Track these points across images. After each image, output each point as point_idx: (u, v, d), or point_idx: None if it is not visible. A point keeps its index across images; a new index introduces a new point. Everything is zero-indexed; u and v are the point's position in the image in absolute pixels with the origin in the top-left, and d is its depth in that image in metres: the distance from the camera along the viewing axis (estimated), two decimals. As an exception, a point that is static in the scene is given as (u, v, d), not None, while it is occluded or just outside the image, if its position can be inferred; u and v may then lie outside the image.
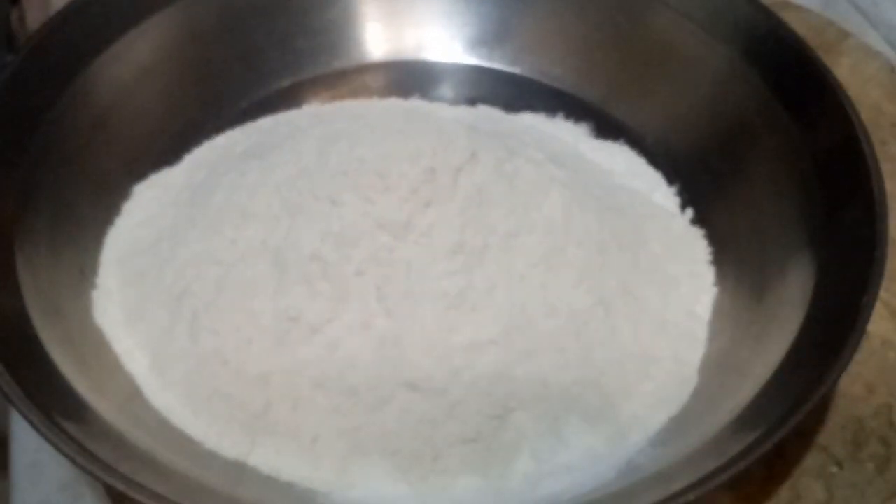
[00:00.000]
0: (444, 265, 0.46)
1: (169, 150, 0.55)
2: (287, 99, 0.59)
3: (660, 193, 0.55)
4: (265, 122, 0.58)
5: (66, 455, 0.37)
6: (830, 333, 0.42)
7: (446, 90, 0.60)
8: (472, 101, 0.59)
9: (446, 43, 0.61)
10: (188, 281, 0.47)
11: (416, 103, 0.59)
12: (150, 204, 0.52)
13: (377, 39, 0.61)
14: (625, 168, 0.56)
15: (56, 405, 0.39)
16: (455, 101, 0.59)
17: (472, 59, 0.60)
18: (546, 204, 0.49)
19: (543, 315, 0.46)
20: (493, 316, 0.45)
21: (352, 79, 0.60)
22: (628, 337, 0.47)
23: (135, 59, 0.54)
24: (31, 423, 0.37)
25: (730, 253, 0.52)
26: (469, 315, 0.45)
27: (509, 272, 0.47)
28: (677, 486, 0.37)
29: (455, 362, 0.44)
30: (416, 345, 0.44)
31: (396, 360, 0.44)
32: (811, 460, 0.47)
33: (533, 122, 0.58)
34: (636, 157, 0.57)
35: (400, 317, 0.45)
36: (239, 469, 0.43)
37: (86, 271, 0.49)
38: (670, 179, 0.56)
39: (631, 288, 0.48)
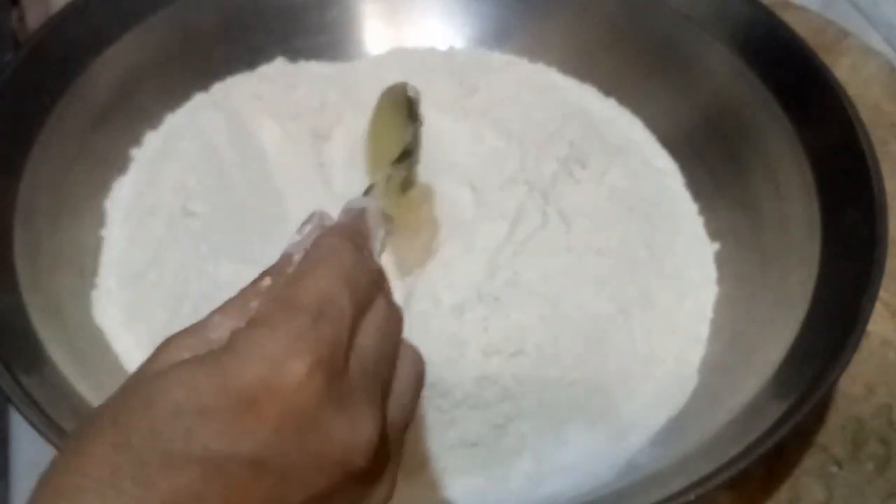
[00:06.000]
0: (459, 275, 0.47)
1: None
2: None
3: (678, 186, 0.55)
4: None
5: (66, 455, 0.37)
6: (830, 333, 0.42)
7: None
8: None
9: (446, 42, 0.61)
10: (187, 281, 0.47)
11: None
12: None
13: (377, 39, 0.61)
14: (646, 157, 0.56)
15: (56, 405, 0.39)
16: (456, 99, 0.59)
17: (472, 59, 0.60)
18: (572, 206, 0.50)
19: (563, 324, 0.46)
20: (506, 328, 0.45)
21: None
22: (641, 341, 0.47)
23: (135, 58, 0.54)
24: (31, 423, 0.37)
25: (730, 253, 0.52)
26: (479, 326, 0.45)
27: (528, 282, 0.47)
28: (677, 486, 0.37)
29: (462, 373, 0.44)
30: (424, 353, 0.44)
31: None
32: (811, 460, 0.47)
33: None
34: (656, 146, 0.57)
35: (408, 323, 0.45)
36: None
37: (86, 271, 0.49)
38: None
39: (650, 293, 0.49)
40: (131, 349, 0.47)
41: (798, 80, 0.51)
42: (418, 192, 0.49)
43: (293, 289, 0.27)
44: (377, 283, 0.29)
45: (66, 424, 0.38)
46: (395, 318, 0.29)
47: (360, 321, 0.27)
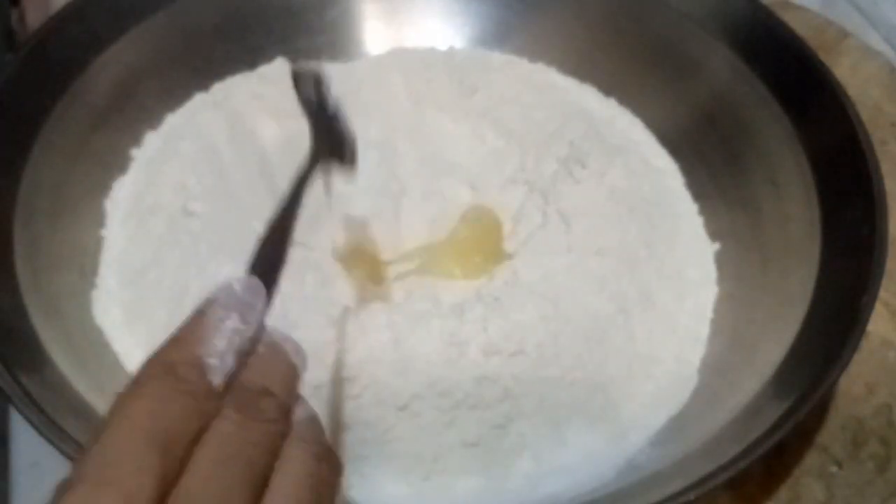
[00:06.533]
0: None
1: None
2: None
3: (678, 186, 0.56)
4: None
5: (66, 455, 0.37)
6: (830, 333, 0.42)
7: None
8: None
9: (446, 42, 0.61)
10: (188, 281, 0.47)
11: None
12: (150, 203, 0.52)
13: (377, 39, 0.61)
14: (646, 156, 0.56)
15: (56, 405, 0.39)
16: (456, 100, 0.59)
17: (472, 59, 0.60)
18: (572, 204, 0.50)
19: (563, 324, 0.46)
20: (506, 328, 0.45)
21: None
22: (641, 341, 0.47)
23: (134, 58, 0.54)
24: (31, 423, 0.37)
25: (730, 253, 0.52)
26: (479, 326, 0.45)
27: (528, 282, 0.47)
28: (677, 486, 0.37)
29: (462, 373, 0.44)
30: (424, 353, 0.44)
31: (402, 367, 0.44)
32: (811, 460, 0.47)
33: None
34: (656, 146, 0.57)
35: (408, 323, 0.45)
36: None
37: (86, 271, 0.49)
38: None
39: (650, 293, 0.49)
40: (131, 349, 0.47)
41: (798, 80, 0.51)
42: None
43: (83, 453, 0.25)
44: (207, 401, 0.26)
45: (66, 424, 0.38)
46: (245, 434, 0.26)
47: (182, 457, 0.25)
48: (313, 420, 0.29)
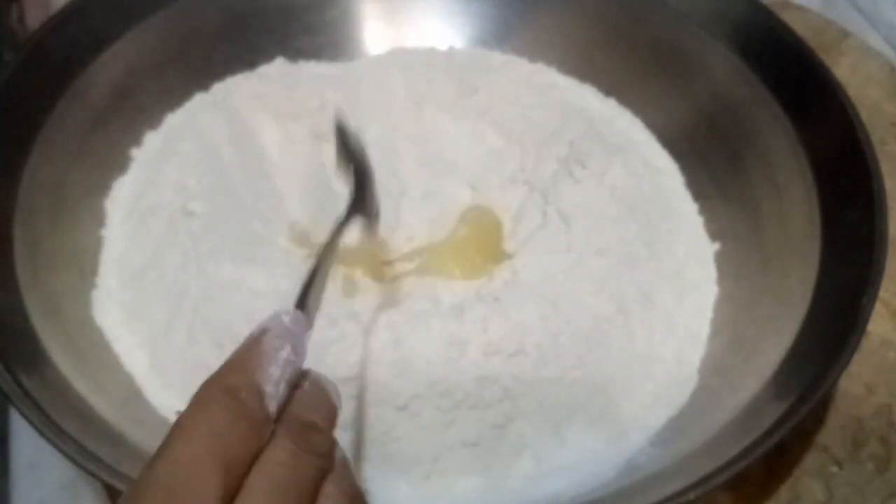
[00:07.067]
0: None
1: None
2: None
3: (678, 186, 0.56)
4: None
5: (66, 455, 0.37)
6: (830, 333, 0.42)
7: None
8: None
9: (446, 42, 0.61)
10: (187, 281, 0.47)
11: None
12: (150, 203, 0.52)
13: (377, 39, 0.61)
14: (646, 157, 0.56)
15: (56, 405, 0.39)
16: (456, 100, 0.59)
17: (472, 59, 0.60)
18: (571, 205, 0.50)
19: (563, 324, 0.46)
20: (506, 328, 0.45)
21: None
22: (641, 341, 0.47)
23: (135, 58, 0.54)
24: (31, 423, 0.37)
25: (730, 253, 0.52)
26: (479, 326, 0.45)
27: (528, 282, 0.47)
28: (677, 486, 0.37)
29: (462, 373, 0.44)
30: (424, 353, 0.44)
31: (403, 367, 0.44)
32: (811, 460, 0.47)
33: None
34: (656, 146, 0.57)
35: (408, 323, 0.45)
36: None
37: (86, 271, 0.49)
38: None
39: (650, 293, 0.49)
40: (131, 349, 0.47)
41: (798, 80, 0.51)
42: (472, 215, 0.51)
43: (147, 469, 0.26)
44: (265, 426, 0.27)
45: (66, 424, 0.38)
46: (297, 463, 0.27)
47: (241, 478, 0.26)
48: (346, 462, 0.30)
